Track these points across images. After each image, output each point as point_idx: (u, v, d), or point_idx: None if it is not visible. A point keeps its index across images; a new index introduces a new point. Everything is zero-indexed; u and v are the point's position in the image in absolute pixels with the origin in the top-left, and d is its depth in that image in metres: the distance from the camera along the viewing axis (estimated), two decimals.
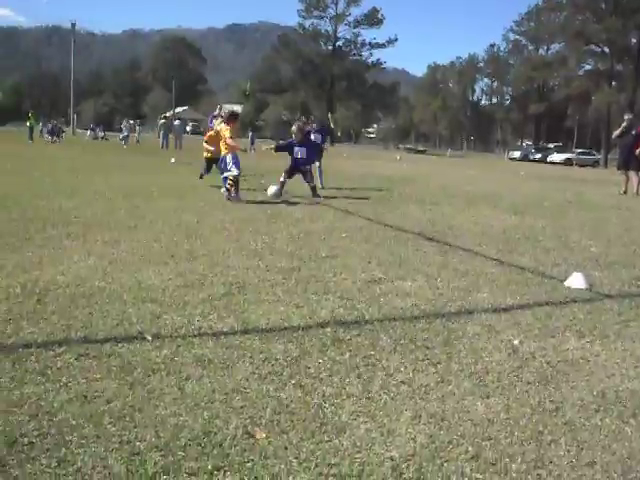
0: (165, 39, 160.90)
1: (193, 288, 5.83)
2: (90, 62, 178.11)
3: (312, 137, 16.40)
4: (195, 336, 4.55)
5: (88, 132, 64.62)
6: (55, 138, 49.26)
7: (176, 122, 47.39)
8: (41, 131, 54.24)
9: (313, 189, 14.30)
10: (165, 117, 47.36)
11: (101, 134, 65.10)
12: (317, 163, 16.74)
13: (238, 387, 3.74)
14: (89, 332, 4.54)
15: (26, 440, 3.04)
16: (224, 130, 13.20)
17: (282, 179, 14.22)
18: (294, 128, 14.62)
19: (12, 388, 3.59)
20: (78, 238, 8.02)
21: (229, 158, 12.91)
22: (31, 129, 48.47)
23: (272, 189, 13.77)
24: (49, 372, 3.83)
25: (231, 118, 13.66)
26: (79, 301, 5.28)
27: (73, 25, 74.53)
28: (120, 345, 4.29)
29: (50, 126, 52.99)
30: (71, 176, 16.87)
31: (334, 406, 3.56)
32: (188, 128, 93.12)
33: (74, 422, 3.23)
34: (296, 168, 14.39)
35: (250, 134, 54.46)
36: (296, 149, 14.35)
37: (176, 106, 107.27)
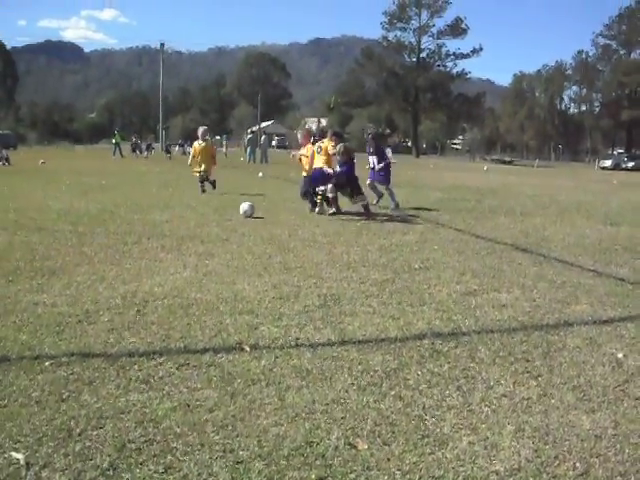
0: (250, 55, 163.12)
1: (288, 300, 5.88)
2: (178, 80, 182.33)
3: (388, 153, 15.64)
4: (293, 347, 4.58)
5: (177, 147, 65.96)
6: (142, 153, 50.88)
7: (262, 137, 47.97)
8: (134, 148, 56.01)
9: (334, 206, 13.36)
10: (252, 132, 48.05)
11: (189, 149, 66.38)
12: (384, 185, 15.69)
13: (338, 398, 3.74)
14: (188, 342, 4.62)
15: (134, 446, 3.12)
16: (330, 147, 13.25)
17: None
18: (340, 148, 13.32)
19: (118, 395, 3.69)
20: (173, 251, 8.21)
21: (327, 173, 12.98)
22: (117, 146, 50.30)
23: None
24: (152, 381, 3.91)
25: (336, 135, 13.77)
26: (177, 312, 5.39)
27: (162, 45, 76.74)
28: (219, 355, 4.36)
29: (136, 142, 54.87)
30: (163, 190, 17.28)
31: (435, 418, 3.52)
32: (274, 142, 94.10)
33: (178, 430, 3.29)
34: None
35: None
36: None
37: (261, 121, 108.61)
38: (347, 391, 3.85)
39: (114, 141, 52.17)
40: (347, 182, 12.89)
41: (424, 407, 3.66)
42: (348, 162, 13.10)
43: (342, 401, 3.70)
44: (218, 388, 3.83)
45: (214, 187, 17.24)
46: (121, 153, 49.54)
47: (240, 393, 3.77)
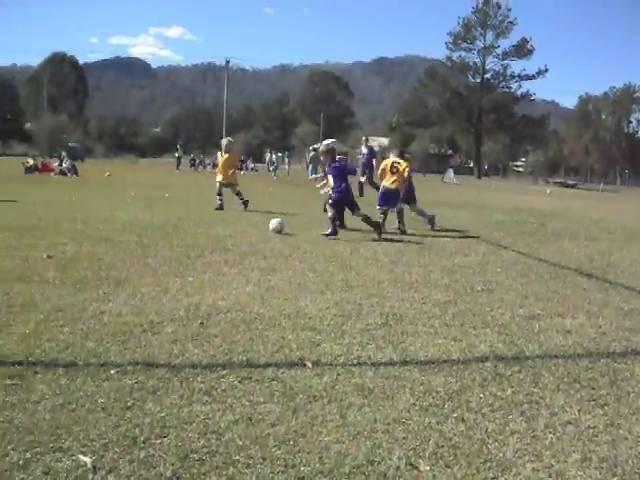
0: (313, 73, 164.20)
1: (350, 318, 5.88)
2: (241, 97, 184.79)
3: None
4: (354, 365, 4.57)
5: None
6: (205, 168, 52.05)
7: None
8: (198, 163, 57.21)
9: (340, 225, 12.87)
10: (315, 149, 48.24)
11: (251, 165, 67.18)
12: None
13: (400, 418, 3.72)
14: (251, 356, 4.66)
15: (196, 456, 3.15)
16: (403, 164, 13.15)
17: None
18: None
19: (181, 406, 3.73)
20: (236, 265, 8.29)
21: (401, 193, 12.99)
22: (179, 159, 51.58)
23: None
24: (214, 393, 3.95)
25: (401, 154, 13.73)
26: (240, 326, 5.44)
27: (227, 62, 78.16)
28: (281, 371, 4.38)
29: (193, 158, 56.22)
30: (225, 205, 17.43)
31: (498, 442, 3.48)
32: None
33: (240, 443, 3.31)
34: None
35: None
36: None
37: (323, 139, 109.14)
38: (409, 411, 3.83)
39: (177, 155, 53.62)
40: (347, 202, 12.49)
41: (487, 431, 3.61)
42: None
43: (404, 421, 3.68)
44: (280, 403, 3.84)
45: (245, 206, 16.54)
46: (178, 166, 50.85)
47: (302, 409, 3.78)
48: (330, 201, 12.14)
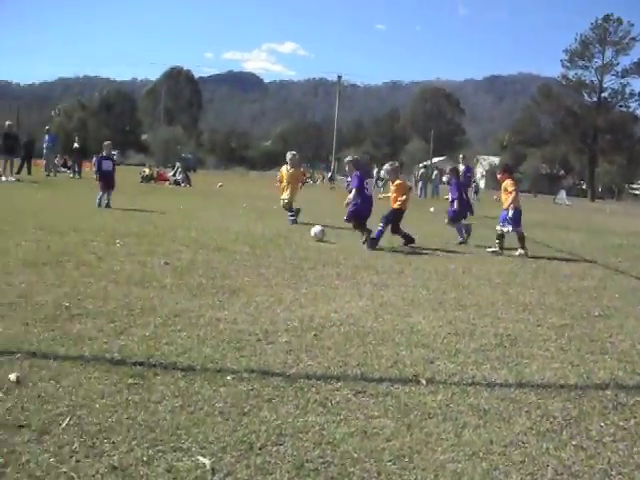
0: (424, 90, 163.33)
1: (464, 337, 5.81)
2: (352, 112, 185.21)
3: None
4: (469, 385, 4.51)
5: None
6: (316, 182, 52.85)
7: (434, 172, 47.87)
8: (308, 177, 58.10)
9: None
10: (424, 166, 48.14)
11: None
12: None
13: (516, 441, 3.64)
14: (364, 370, 4.66)
15: (312, 466, 3.18)
16: (509, 184, 12.93)
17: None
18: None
19: (297, 415, 3.77)
20: (348, 279, 8.33)
21: (511, 213, 12.70)
22: None
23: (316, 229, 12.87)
24: (329, 404, 3.97)
25: (508, 170, 13.57)
26: (353, 339, 5.45)
27: (339, 78, 78.97)
28: (395, 386, 4.36)
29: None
30: (334, 219, 17.48)
31: (622, 475, 3.35)
32: (444, 178, 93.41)
33: (356, 455, 3.32)
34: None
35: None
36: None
37: (433, 156, 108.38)
38: (525, 435, 3.74)
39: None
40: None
41: (609, 462, 3.48)
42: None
43: (520, 445, 3.60)
44: (395, 418, 3.83)
45: (292, 222, 15.63)
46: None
47: (417, 425, 3.75)
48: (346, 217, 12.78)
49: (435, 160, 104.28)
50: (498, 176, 13.43)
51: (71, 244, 9.52)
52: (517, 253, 12.42)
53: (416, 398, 4.17)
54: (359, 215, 12.47)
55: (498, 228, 12.80)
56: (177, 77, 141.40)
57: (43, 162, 34.35)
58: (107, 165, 16.77)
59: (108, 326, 5.34)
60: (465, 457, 3.40)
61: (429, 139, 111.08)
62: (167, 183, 35.08)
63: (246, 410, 3.80)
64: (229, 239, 11.42)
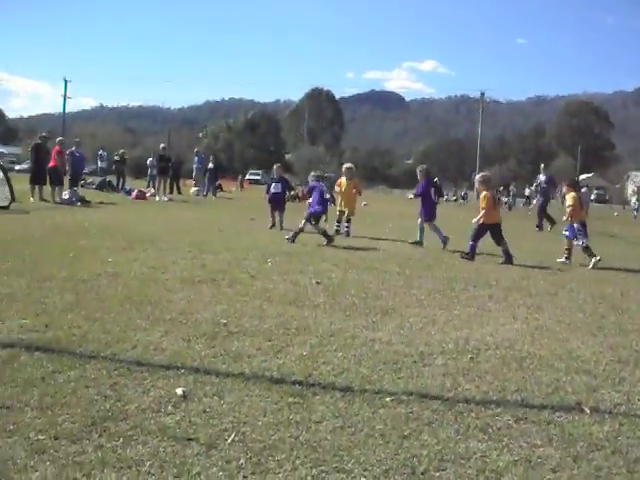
0: (570, 104, 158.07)
1: (628, 364, 5.56)
2: (495, 129, 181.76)
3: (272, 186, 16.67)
4: (638, 416, 4.31)
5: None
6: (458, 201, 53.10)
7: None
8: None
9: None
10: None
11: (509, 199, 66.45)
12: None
13: None
14: (524, 396, 4.57)
15: None
16: (569, 198, 12.92)
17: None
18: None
19: (457, 440, 3.75)
20: (500, 301, 8.17)
21: (577, 226, 12.68)
22: None
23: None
24: (490, 430, 3.92)
25: (571, 184, 13.40)
26: (511, 364, 5.35)
27: (482, 94, 77.99)
28: (557, 414, 4.25)
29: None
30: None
31: None
32: (592, 196, 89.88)
33: None
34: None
35: None
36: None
37: (581, 173, 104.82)
38: None
39: None
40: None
41: None
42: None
43: None
44: (560, 448, 3.72)
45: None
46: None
47: (584, 457, 3.63)
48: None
49: (583, 177, 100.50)
50: (563, 189, 13.37)
51: (224, 262, 9.84)
52: (560, 259, 12.67)
53: (581, 428, 4.04)
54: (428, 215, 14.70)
55: (575, 243, 12.71)
56: (318, 97, 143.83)
57: (192, 182, 35.72)
58: (276, 188, 16.89)
59: (265, 344, 5.49)
60: None
61: (576, 155, 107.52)
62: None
63: (406, 433, 3.80)
64: (377, 258, 11.47)
